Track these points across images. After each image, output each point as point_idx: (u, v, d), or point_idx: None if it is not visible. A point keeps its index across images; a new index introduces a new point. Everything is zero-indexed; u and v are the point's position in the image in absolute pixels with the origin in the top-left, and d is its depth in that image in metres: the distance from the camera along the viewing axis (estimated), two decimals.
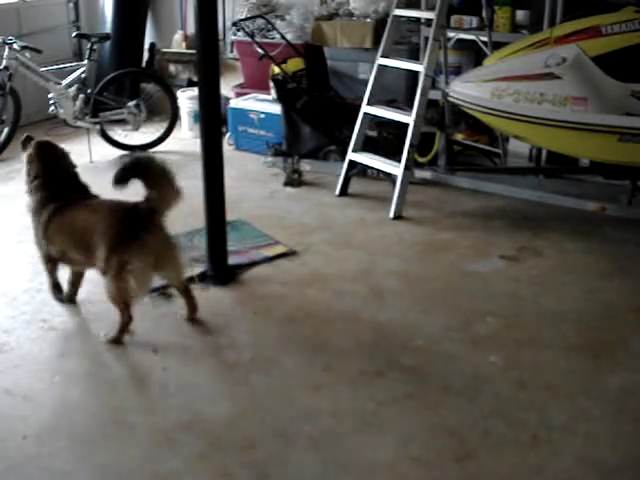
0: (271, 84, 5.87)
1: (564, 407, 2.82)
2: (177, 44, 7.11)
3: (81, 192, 3.41)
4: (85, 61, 5.93)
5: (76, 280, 3.58)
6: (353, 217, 4.73)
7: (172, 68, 7.21)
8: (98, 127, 5.90)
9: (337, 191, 5.09)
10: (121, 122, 6.13)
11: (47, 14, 6.90)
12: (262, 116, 5.94)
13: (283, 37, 5.92)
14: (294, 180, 5.30)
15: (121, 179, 3.10)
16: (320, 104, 5.61)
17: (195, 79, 6.57)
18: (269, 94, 6.00)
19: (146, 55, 7.03)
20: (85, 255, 3.25)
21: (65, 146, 3.60)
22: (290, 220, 4.67)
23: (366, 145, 5.13)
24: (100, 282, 3.23)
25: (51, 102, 5.81)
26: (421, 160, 5.11)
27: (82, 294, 3.64)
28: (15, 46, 5.55)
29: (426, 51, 4.71)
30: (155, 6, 7.18)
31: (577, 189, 4.78)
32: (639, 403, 2.86)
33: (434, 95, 4.94)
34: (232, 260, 3.93)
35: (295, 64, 5.80)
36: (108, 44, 6.55)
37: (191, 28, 6.87)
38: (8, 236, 4.31)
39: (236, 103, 6.16)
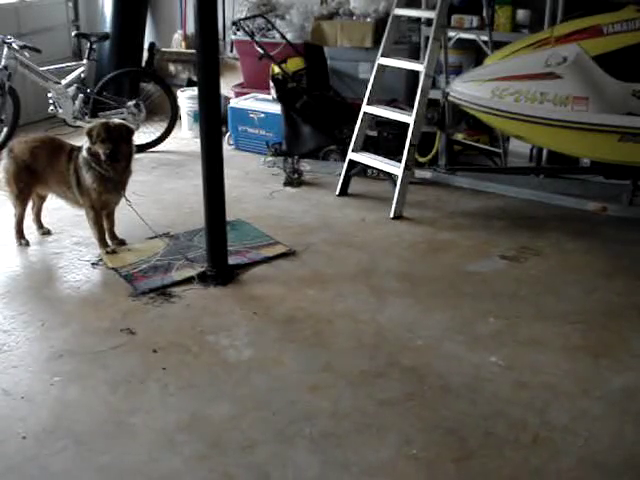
0: (271, 84, 5.86)
1: (565, 407, 2.82)
2: (177, 44, 7.11)
3: None
4: (84, 60, 5.94)
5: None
6: (353, 217, 4.72)
7: (172, 68, 7.20)
8: None
9: (337, 191, 5.09)
10: None
11: (46, 13, 6.90)
12: (262, 116, 5.94)
13: (283, 36, 5.92)
14: (294, 180, 5.29)
15: None
16: (320, 104, 5.61)
17: (195, 79, 6.57)
18: (269, 94, 6.00)
19: (146, 55, 7.02)
20: None
21: None
22: (290, 220, 4.66)
23: (366, 145, 5.13)
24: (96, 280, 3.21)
25: (50, 102, 5.81)
26: (421, 160, 5.10)
27: (81, 294, 3.64)
28: (14, 45, 5.54)
29: (426, 51, 4.71)
30: (155, 6, 7.17)
31: (578, 189, 4.78)
32: None
33: (434, 95, 4.94)
34: (232, 260, 3.93)
35: (295, 64, 5.80)
36: (107, 43, 6.55)
37: (191, 28, 6.87)
38: (8, 236, 4.29)
39: (236, 103, 6.16)
